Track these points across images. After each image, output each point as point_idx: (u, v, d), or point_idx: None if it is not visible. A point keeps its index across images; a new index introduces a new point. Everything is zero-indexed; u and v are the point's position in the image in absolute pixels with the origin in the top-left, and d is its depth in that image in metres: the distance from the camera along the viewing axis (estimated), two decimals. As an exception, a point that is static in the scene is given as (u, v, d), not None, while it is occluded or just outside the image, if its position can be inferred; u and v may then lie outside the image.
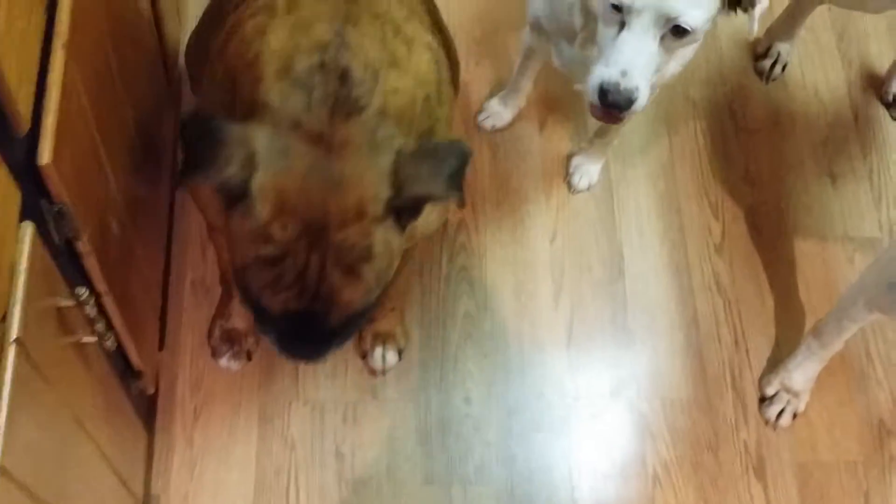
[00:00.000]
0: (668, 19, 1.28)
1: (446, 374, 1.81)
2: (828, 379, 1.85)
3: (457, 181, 1.08)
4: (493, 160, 2.03)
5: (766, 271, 1.99)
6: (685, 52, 1.46)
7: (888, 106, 2.22)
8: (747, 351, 1.90)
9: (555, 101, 2.10)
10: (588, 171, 2.01)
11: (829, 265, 2.01)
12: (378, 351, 1.78)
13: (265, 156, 1.00)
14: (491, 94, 2.06)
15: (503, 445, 1.77)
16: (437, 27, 1.40)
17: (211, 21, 1.40)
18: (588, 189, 2.02)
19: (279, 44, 1.07)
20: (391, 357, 1.79)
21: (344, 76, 1.03)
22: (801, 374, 1.80)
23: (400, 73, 1.10)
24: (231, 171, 0.99)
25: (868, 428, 1.86)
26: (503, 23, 2.17)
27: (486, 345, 1.85)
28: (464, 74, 2.02)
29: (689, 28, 1.29)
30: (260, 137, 1.01)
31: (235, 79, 1.12)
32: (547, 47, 1.68)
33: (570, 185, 2.02)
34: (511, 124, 2.06)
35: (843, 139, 2.18)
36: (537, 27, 1.67)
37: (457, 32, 2.09)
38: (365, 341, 1.78)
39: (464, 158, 1.08)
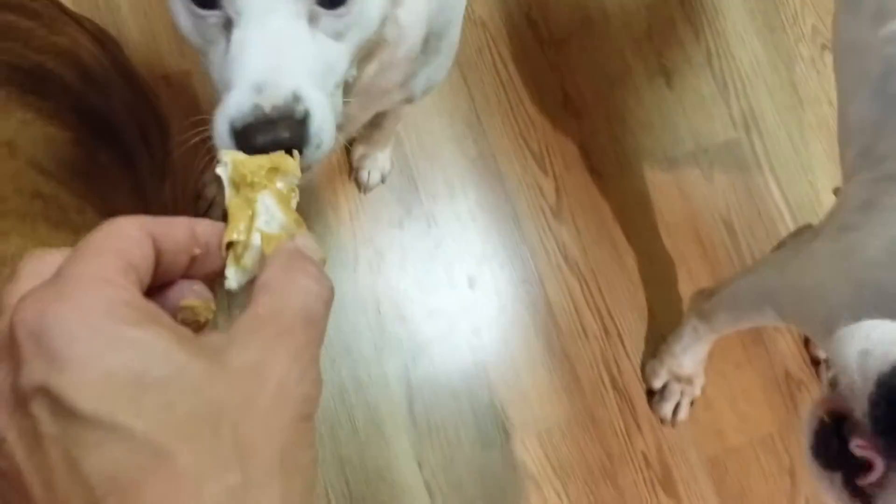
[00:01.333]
0: None
1: None
2: (718, 342, 1.53)
3: None
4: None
5: (617, 223, 1.63)
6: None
7: (708, -41, 1.82)
8: (620, 335, 1.57)
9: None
10: (377, 160, 1.56)
11: (686, 193, 1.66)
12: None
13: None
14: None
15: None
16: None
17: None
18: (383, 181, 1.59)
19: None
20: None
21: None
22: (691, 358, 1.48)
23: None
24: None
25: (775, 386, 1.57)
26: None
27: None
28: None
29: None
30: None
31: None
32: None
33: (359, 185, 1.58)
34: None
35: (668, 21, 1.77)
36: None
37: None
38: None
39: None
